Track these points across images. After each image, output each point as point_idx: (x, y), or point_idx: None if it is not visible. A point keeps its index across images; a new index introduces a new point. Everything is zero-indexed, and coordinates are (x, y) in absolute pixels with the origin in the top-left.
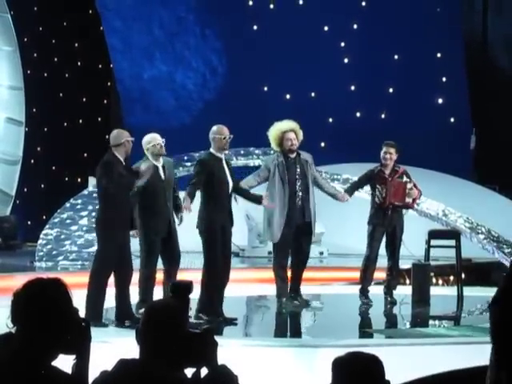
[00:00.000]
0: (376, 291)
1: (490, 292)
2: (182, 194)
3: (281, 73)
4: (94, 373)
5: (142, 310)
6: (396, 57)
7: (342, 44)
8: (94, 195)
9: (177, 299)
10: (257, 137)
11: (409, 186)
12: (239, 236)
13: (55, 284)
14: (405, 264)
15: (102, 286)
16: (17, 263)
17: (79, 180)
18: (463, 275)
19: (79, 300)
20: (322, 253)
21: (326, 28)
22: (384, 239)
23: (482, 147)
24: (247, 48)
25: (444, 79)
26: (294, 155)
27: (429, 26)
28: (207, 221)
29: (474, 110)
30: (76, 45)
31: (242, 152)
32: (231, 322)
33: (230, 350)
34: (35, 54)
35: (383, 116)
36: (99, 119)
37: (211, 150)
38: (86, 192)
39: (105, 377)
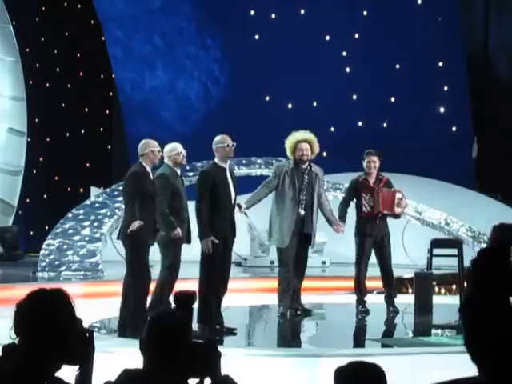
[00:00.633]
0: (378, 300)
1: None
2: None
3: (283, 82)
4: (97, 383)
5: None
6: (398, 66)
7: (344, 53)
8: (97, 205)
9: (180, 309)
10: (259, 146)
11: (398, 195)
12: (241, 245)
13: (58, 294)
14: (407, 273)
15: (144, 296)
16: (19, 273)
17: (81, 190)
18: (465, 284)
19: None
20: (324, 262)
21: (327, 37)
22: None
23: (483, 156)
24: (249, 58)
25: (446, 88)
26: (305, 166)
27: (430, 36)
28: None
29: (475, 119)
30: (78, 55)
31: (244, 162)
32: (231, 331)
33: (232, 360)
34: (37, 65)
35: (385, 125)
36: (101, 129)
37: (215, 160)
38: (88, 202)
39: None
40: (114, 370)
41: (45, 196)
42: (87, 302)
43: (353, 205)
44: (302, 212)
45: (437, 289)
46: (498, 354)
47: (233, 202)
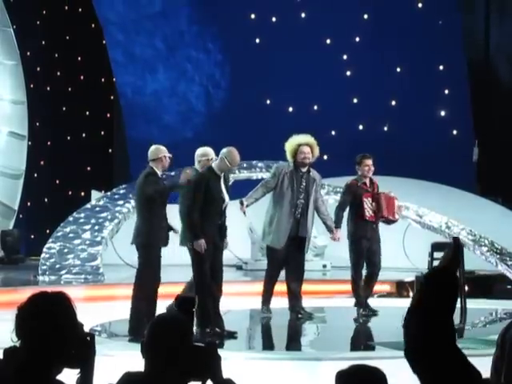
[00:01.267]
0: (378, 304)
1: (493, 304)
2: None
3: (283, 86)
4: None
5: None
6: (398, 69)
7: (345, 57)
8: (97, 209)
9: (181, 313)
10: (260, 150)
11: (397, 202)
12: (242, 249)
13: (59, 298)
14: (408, 276)
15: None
16: (20, 277)
17: (82, 194)
18: (466, 287)
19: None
20: (325, 266)
21: (328, 41)
22: None
23: (484, 159)
24: (250, 61)
25: (446, 92)
26: (304, 169)
27: (431, 39)
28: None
29: (476, 123)
30: (79, 58)
31: (245, 165)
32: (232, 335)
33: (233, 364)
34: (38, 68)
35: (386, 128)
36: (102, 133)
37: (213, 165)
38: (88, 206)
39: None
40: (115, 374)
41: (45, 199)
42: (88, 305)
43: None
44: (299, 215)
45: None
46: (437, 366)
47: (224, 208)
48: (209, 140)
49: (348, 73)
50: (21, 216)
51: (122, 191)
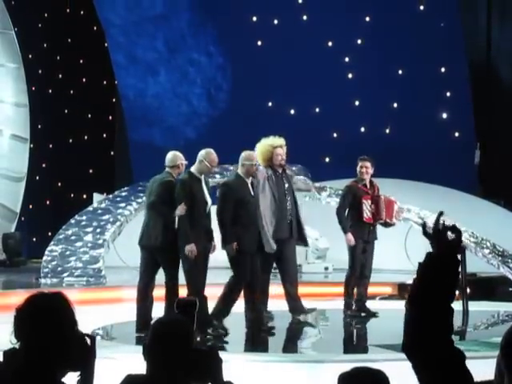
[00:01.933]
0: (381, 306)
1: (495, 306)
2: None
3: (285, 88)
4: None
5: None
6: (400, 72)
7: (347, 59)
8: (99, 211)
9: (183, 316)
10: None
11: (396, 207)
12: None
13: (58, 298)
14: (410, 278)
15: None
16: (22, 280)
17: (84, 196)
18: (468, 290)
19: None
20: (327, 268)
21: (330, 43)
22: None
23: (486, 162)
24: (251, 64)
25: (448, 94)
26: (281, 170)
27: (432, 41)
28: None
29: (478, 125)
30: (80, 61)
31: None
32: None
33: (233, 366)
34: (40, 71)
35: (387, 131)
36: (104, 135)
37: (192, 169)
38: (90, 208)
39: None
40: (117, 376)
41: (47, 202)
42: (90, 308)
43: (321, 208)
44: (290, 218)
45: None
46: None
47: (208, 210)
48: (211, 143)
49: (350, 75)
50: (23, 219)
51: (123, 194)
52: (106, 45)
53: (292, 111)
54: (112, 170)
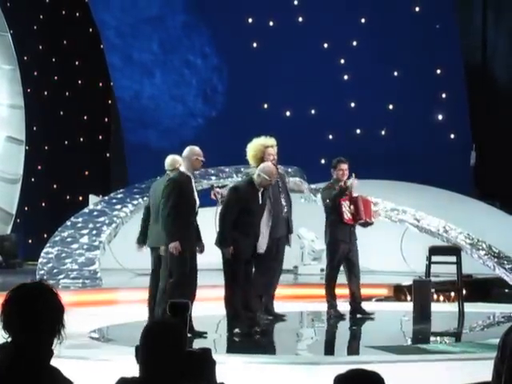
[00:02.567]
0: (377, 308)
1: (491, 308)
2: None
3: (281, 90)
4: None
5: None
6: (396, 73)
7: (342, 61)
8: (95, 213)
9: (175, 318)
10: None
11: (373, 207)
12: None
13: (40, 287)
14: (406, 280)
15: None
16: (18, 282)
17: (80, 198)
18: (464, 291)
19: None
20: (322, 269)
21: (325, 45)
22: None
23: (482, 163)
24: (247, 65)
25: (444, 95)
26: None
27: (428, 43)
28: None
29: (474, 126)
30: (76, 63)
31: (243, 169)
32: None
33: (230, 368)
34: (35, 73)
35: (383, 133)
36: (100, 137)
37: (182, 169)
38: (86, 210)
39: None
40: (111, 378)
41: (43, 204)
42: (85, 310)
43: (317, 210)
44: (285, 215)
45: (435, 296)
46: None
47: (197, 209)
48: (207, 144)
49: (345, 77)
50: (18, 221)
51: (119, 195)
52: (101, 46)
53: (288, 113)
54: (108, 172)
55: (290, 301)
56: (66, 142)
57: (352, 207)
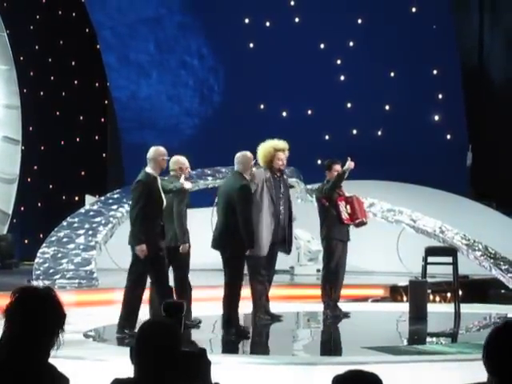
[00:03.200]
0: (373, 308)
1: (487, 309)
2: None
3: (277, 90)
4: None
5: None
6: (392, 74)
7: (339, 61)
8: (91, 213)
9: (170, 318)
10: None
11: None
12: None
13: (47, 289)
14: (402, 281)
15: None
16: (14, 282)
17: (76, 198)
18: (460, 292)
19: (77, 318)
20: (319, 270)
21: (322, 45)
22: None
23: (478, 164)
24: (244, 66)
25: (440, 96)
26: (279, 174)
27: (425, 43)
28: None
29: (470, 127)
30: (72, 63)
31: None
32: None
33: (226, 368)
34: (31, 73)
35: (379, 133)
36: (96, 137)
37: (148, 170)
38: (82, 210)
39: None
40: (106, 379)
41: (39, 204)
42: (82, 310)
43: (314, 210)
44: (282, 222)
45: (431, 297)
46: None
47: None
48: (203, 144)
49: (342, 77)
50: (15, 221)
51: (116, 196)
52: (97, 47)
53: (284, 113)
54: (104, 172)
55: (287, 301)
56: (63, 142)
57: (348, 207)
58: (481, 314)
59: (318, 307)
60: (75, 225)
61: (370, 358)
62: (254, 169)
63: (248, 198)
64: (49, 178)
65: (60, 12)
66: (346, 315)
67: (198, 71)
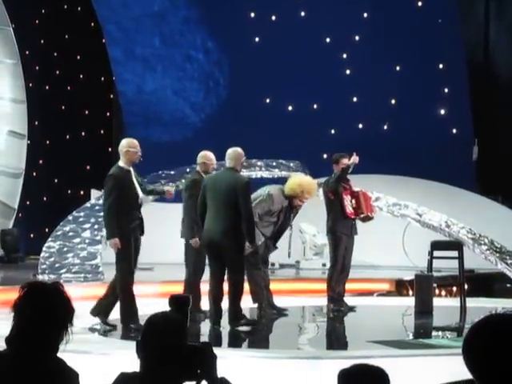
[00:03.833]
0: (378, 303)
1: (493, 303)
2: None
3: (283, 84)
4: None
5: None
6: (398, 68)
7: (344, 55)
8: (97, 208)
9: (175, 312)
10: (259, 148)
11: (371, 201)
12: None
13: (56, 284)
14: (408, 275)
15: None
16: (19, 276)
17: (82, 192)
18: (466, 286)
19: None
20: (324, 264)
21: (327, 39)
22: None
23: (484, 158)
24: (249, 60)
25: (446, 90)
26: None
27: (430, 37)
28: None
29: (476, 121)
30: (78, 57)
31: (245, 164)
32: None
33: (231, 362)
34: (37, 67)
35: (385, 127)
36: (101, 132)
37: (121, 163)
38: (88, 204)
39: None
40: (111, 373)
41: (45, 198)
42: (87, 304)
43: (319, 204)
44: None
45: (437, 291)
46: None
47: (140, 202)
48: (208, 138)
49: (347, 71)
50: (20, 215)
51: None
52: (103, 41)
53: (290, 107)
54: (109, 167)
55: (292, 295)
56: (68, 137)
57: (353, 201)
58: (486, 308)
59: (324, 301)
60: (81, 219)
61: (376, 351)
62: (274, 192)
63: (250, 193)
64: (54, 173)
65: (65, 6)
66: (352, 309)
67: (203, 65)
